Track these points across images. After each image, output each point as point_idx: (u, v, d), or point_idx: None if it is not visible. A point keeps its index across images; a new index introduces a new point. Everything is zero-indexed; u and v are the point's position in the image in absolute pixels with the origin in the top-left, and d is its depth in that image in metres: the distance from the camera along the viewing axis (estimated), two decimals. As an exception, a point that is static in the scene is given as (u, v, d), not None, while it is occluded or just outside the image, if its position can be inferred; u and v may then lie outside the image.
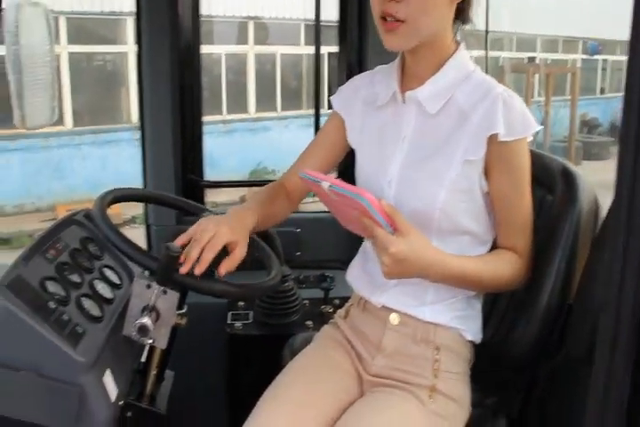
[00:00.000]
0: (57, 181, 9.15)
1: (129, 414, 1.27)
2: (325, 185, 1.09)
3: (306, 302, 1.92)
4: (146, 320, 1.19)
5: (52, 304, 1.15)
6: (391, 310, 1.28)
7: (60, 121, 9.26)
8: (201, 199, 2.19)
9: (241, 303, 1.94)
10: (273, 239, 1.77)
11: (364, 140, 1.34)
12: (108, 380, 1.18)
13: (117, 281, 1.43)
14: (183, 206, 1.50)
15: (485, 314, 1.33)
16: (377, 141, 1.30)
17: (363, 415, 1.19)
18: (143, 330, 1.19)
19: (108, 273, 1.42)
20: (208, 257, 1.15)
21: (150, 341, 1.21)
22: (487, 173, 1.20)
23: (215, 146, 9.41)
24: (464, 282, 1.21)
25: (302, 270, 2.06)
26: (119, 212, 8.15)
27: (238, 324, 1.83)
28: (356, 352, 1.33)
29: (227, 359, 1.87)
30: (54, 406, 1.11)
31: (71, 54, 9.21)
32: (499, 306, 1.42)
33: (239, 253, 1.20)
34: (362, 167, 1.34)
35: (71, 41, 9.19)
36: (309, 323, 1.82)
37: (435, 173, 1.20)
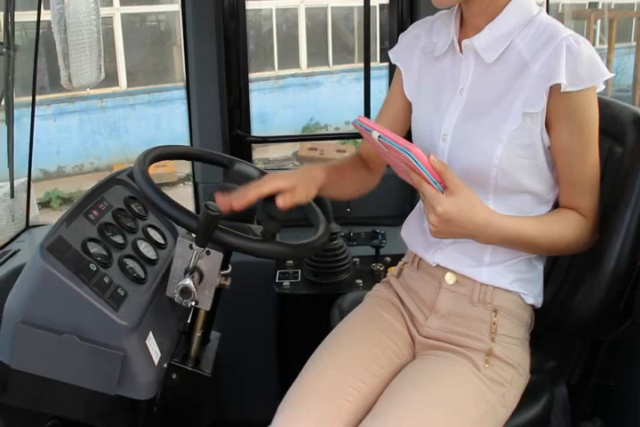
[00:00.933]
0: (114, 140, 9.28)
1: (174, 376, 1.26)
2: (375, 135, 1.03)
3: (356, 259, 1.87)
4: (188, 282, 1.16)
5: (92, 266, 1.13)
6: (447, 269, 1.22)
7: (115, 82, 9.35)
8: (248, 155, 2.14)
9: (289, 262, 1.89)
10: (321, 196, 1.72)
11: (420, 92, 1.27)
12: (151, 342, 1.16)
13: (162, 241, 1.40)
14: (225, 162, 1.45)
15: (545, 275, 1.25)
16: (433, 93, 1.22)
17: (414, 380, 1.14)
18: (185, 292, 1.16)
19: (152, 233, 1.39)
20: (250, 194, 1.12)
21: (193, 303, 1.18)
22: (549, 126, 1.11)
23: (267, 102, 9.35)
24: (520, 245, 1.12)
25: (352, 227, 2.00)
26: (174, 170, 8.23)
27: (286, 283, 1.79)
28: (409, 313, 1.28)
29: (275, 319, 1.84)
30: (97, 369, 1.10)
31: (124, 16, 9.20)
32: (560, 267, 1.33)
33: (298, 193, 1.15)
34: (417, 120, 1.26)
35: (123, 2, 9.17)
36: (359, 282, 1.76)
37: (492, 127, 1.12)
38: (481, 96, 1.15)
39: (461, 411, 1.10)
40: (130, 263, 1.24)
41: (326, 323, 1.51)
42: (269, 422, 1.12)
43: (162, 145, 1.36)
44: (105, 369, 1.09)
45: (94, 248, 1.19)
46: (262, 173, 1.41)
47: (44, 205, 7.67)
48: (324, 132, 10.25)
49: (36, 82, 2.02)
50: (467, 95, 1.17)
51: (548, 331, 1.22)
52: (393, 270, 1.38)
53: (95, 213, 1.28)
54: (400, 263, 1.36)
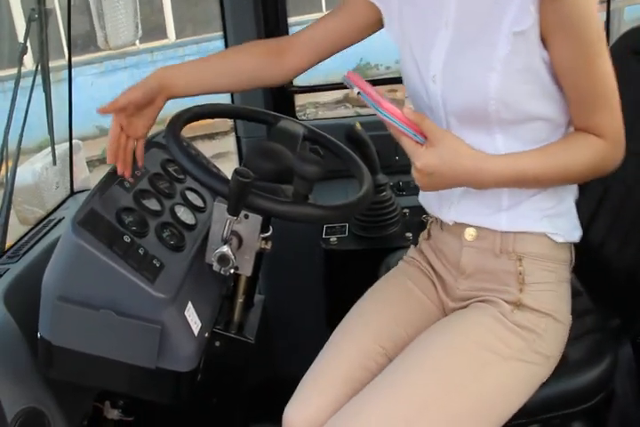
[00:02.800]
0: (166, 94, 9.27)
1: (217, 343, 1.24)
2: (355, 91, 0.98)
3: (406, 210, 1.80)
4: (225, 249, 1.12)
5: (127, 238, 1.10)
6: (465, 225, 1.15)
7: (164, 34, 9.28)
8: (291, 105, 2.06)
9: None
10: (366, 146, 1.65)
11: (403, 33, 1.15)
12: (190, 313, 1.13)
13: (201, 204, 1.36)
14: (267, 119, 1.38)
15: (591, 213, 1.15)
16: (417, 32, 1.12)
17: (431, 331, 1.12)
18: (223, 260, 1.12)
19: (191, 196, 1.36)
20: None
21: (232, 270, 1.15)
22: (545, 41, 0.98)
23: (316, 45, 9.10)
24: (527, 183, 1.04)
25: (401, 176, 1.91)
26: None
27: (334, 238, 1.74)
28: (440, 278, 1.23)
29: (323, 276, 1.80)
30: (135, 343, 1.08)
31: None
32: (609, 203, 1.22)
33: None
34: (404, 66, 1.16)
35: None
36: (409, 235, 1.70)
37: (482, 56, 1.01)
38: (467, 25, 1.04)
39: (476, 357, 1.05)
40: (167, 231, 1.21)
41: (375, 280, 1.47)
42: None
43: (198, 105, 1.30)
44: (144, 343, 1.07)
45: (129, 218, 1.16)
46: (308, 129, 1.34)
47: (102, 161, 7.79)
48: (374, 72, 10.00)
49: (70, 43, 1.97)
50: (453, 28, 1.06)
51: (609, 284, 1.13)
52: (423, 233, 1.32)
53: (131, 179, 1.25)
54: (428, 224, 1.30)
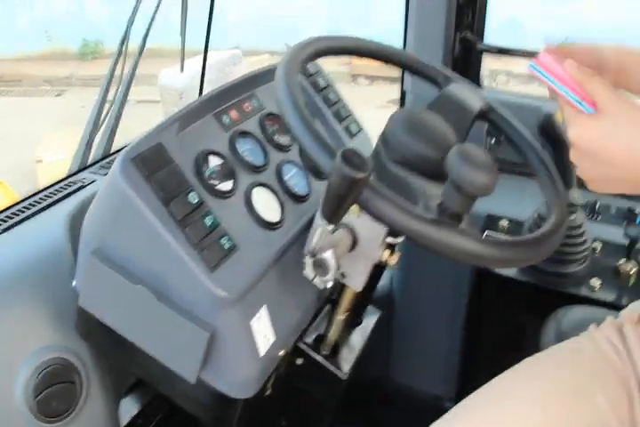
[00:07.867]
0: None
1: (299, 361, 0.92)
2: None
3: (597, 244, 1.29)
4: (328, 254, 0.72)
5: (193, 197, 0.73)
6: None
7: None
8: (475, 68, 1.54)
9: (503, 225, 1.36)
10: (564, 148, 1.13)
11: None
12: (261, 323, 0.76)
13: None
14: (425, 73, 0.91)
15: None
16: None
17: None
18: (321, 265, 0.73)
19: None
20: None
21: (330, 284, 0.75)
22: None
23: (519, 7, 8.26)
24: None
25: (600, 196, 1.40)
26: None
27: None
28: None
29: (468, 299, 1.39)
30: (172, 342, 0.75)
31: None
32: None
33: None
34: None
35: None
36: (596, 283, 1.19)
37: None
38: None
39: None
40: (261, 197, 0.83)
41: (533, 334, 1.05)
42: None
43: (334, 36, 0.86)
44: (183, 347, 0.74)
45: (213, 168, 0.79)
46: (488, 105, 0.87)
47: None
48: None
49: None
50: None
51: None
52: (631, 313, 0.89)
53: (234, 114, 0.88)
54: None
